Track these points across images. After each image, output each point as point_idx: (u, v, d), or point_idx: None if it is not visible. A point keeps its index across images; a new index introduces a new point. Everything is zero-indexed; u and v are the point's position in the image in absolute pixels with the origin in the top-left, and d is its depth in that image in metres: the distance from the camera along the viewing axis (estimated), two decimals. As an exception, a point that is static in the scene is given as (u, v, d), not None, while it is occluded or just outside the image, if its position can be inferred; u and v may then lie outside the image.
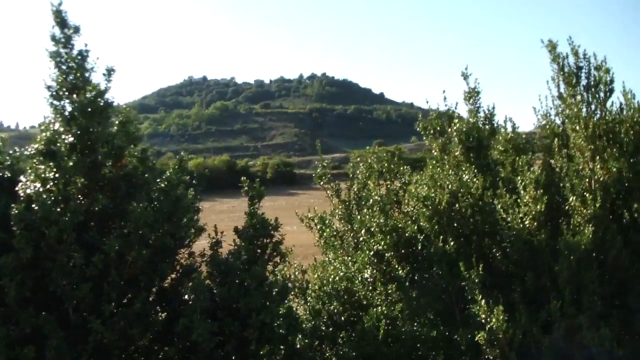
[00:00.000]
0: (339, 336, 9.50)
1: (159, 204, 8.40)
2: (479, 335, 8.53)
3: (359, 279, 9.98)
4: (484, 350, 8.62)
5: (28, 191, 8.33)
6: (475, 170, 10.38)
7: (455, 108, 11.91)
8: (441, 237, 9.63)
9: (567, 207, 9.68)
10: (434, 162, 11.52)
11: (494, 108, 11.50)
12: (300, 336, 9.19)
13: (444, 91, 11.73)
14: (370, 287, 10.08)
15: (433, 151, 11.68)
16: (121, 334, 7.87)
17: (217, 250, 8.95)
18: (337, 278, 9.84)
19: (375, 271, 9.98)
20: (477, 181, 10.03)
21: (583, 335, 8.64)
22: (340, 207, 12.42)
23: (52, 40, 8.67)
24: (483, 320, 8.62)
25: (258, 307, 8.33)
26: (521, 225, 9.29)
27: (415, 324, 9.62)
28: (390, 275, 9.96)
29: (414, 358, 9.39)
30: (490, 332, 8.49)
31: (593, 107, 10.97)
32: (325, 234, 12.32)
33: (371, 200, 11.53)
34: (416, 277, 10.00)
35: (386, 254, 10.09)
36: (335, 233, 12.31)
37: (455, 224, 9.97)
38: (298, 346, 9.00)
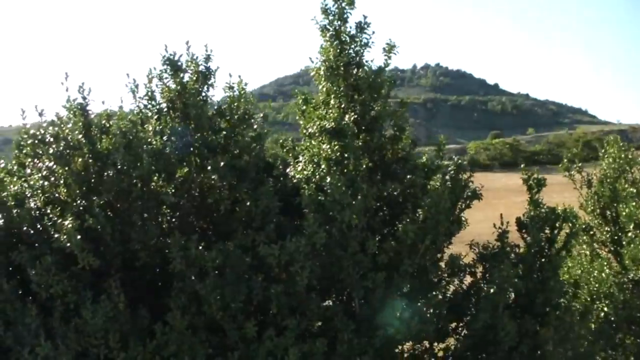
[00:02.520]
0: (619, 338, 9.00)
1: (449, 189, 8.02)
2: None
3: (633, 276, 9.42)
4: None
5: (305, 172, 8.14)
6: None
7: None
8: None
9: None
10: None
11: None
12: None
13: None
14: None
15: None
16: (415, 331, 7.45)
17: (505, 240, 8.39)
18: (602, 275, 9.33)
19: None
20: None
21: None
22: (592, 199, 11.73)
23: (323, 12, 8.34)
24: None
25: (555, 303, 7.90)
26: None
27: None
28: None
29: None
30: None
31: None
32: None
33: (625, 194, 11.00)
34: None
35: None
36: (584, 227, 11.56)
37: None
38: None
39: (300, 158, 8.33)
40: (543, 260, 8.17)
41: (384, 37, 8.52)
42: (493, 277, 7.83)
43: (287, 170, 8.61)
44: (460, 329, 8.23)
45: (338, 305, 7.53)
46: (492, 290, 7.77)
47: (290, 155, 8.85)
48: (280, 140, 9.28)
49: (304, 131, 8.46)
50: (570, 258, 10.31)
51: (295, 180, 8.22)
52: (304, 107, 8.66)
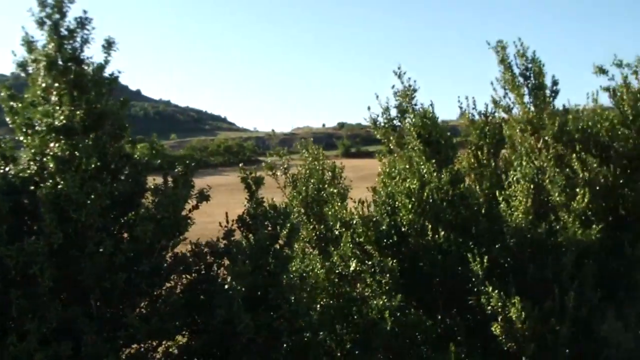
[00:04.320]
0: (337, 330, 9.64)
1: (176, 186, 8.30)
2: (494, 326, 8.99)
3: (341, 271, 10.12)
4: (500, 341, 9.08)
5: (29, 171, 7.95)
6: (435, 165, 10.81)
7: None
8: (430, 227, 10.01)
9: (551, 203, 10.30)
10: (387, 156, 11.95)
11: (432, 105, 11.87)
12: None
13: (393, 86, 11.99)
14: (356, 280, 10.30)
15: (390, 145, 11.99)
16: (156, 329, 7.68)
17: (231, 239, 8.76)
18: (316, 271, 9.96)
19: (360, 263, 10.16)
20: (443, 176, 10.47)
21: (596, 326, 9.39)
22: (297, 199, 12.41)
23: (40, 4, 8.16)
24: (489, 311, 9.13)
25: (288, 297, 8.43)
26: (519, 219, 9.85)
27: (411, 315, 9.91)
28: (378, 267, 10.17)
29: (419, 347, 9.73)
30: (506, 322, 8.98)
31: (538, 108, 11.81)
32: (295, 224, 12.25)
33: (325, 194, 11.83)
34: (401, 269, 10.29)
35: (367, 247, 10.31)
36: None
37: (440, 216, 10.38)
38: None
39: (23, 155, 8.06)
40: (270, 256, 8.61)
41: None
42: (227, 273, 8.19)
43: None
44: (196, 324, 8.46)
45: (78, 308, 7.38)
46: (226, 286, 8.14)
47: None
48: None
49: (22, 128, 8.19)
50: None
51: (12, 179, 7.99)
52: (13, 103, 8.38)
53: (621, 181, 11.37)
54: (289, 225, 8.87)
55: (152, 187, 8.37)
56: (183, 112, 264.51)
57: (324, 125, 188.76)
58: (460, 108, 12.58)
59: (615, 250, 10.70)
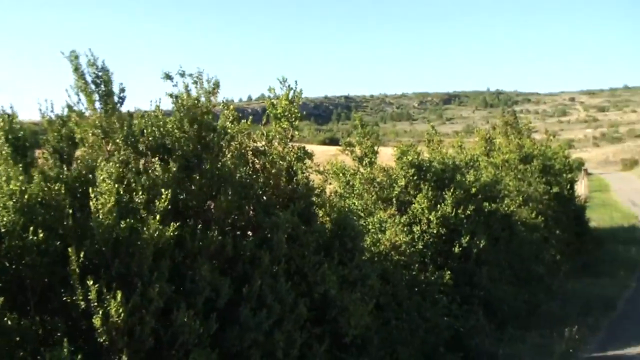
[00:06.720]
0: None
1: None
2: (95, 319, 9.71)
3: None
4: (99, 335, 9.83)
5: None
6: (21, 169, 11.22)
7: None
8: (31, 229, 10.33)
9: (137, 201, 11.24)
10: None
11: (11, 107, 12.21)
12: None
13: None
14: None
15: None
16: None
17: None
18: None
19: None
20: (36, 178, 10.92)
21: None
22: None
23: None
24: (83, 306, 9.86)
25: None
26: (104, 217, 10.64)
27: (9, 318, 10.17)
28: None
29: (18, 350, 10.05)
30: (105, 317, 9.75)
31: (107, 114, 12.75)
32: None
33: None
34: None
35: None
36: None
37: (33, 217, 10.77)
38: None
39: None
40: None
41: None
42: None
43: None
44: None
45: None
46: None
47: None
48: None
49: None
50: None
51: None
52: None
53: (184, 179, 12.67)
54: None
55: None
56: None
57: None
58: (40, 110, 12.99)
59: (179, 243, 11.94)
